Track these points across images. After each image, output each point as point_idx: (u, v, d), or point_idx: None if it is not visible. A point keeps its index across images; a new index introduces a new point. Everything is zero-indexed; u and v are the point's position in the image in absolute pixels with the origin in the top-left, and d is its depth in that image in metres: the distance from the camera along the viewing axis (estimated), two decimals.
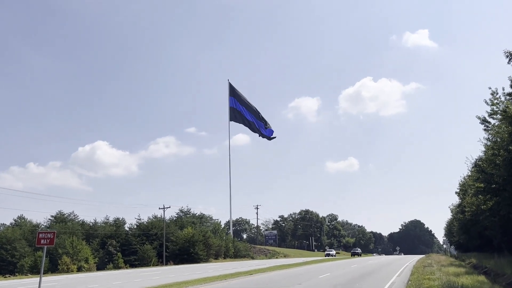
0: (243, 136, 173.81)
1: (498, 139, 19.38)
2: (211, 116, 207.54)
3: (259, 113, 27.90)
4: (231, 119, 28.86)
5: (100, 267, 53.26)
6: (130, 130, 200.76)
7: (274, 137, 29.60)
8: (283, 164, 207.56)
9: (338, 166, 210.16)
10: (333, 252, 72.28)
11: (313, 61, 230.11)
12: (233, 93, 28.54)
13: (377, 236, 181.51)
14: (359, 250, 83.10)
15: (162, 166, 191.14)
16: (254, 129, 27.91)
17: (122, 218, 71.98)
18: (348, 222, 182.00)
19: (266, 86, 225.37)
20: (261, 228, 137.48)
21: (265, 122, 27.40)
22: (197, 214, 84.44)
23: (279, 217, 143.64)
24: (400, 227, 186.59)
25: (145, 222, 66.64)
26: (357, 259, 55.24)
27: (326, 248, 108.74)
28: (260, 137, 29.40)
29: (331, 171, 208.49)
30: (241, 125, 31.88)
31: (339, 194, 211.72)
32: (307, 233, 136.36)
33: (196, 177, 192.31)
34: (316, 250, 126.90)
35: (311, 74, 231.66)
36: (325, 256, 68.66)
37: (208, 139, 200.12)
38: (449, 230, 63.64)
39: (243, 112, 27.51)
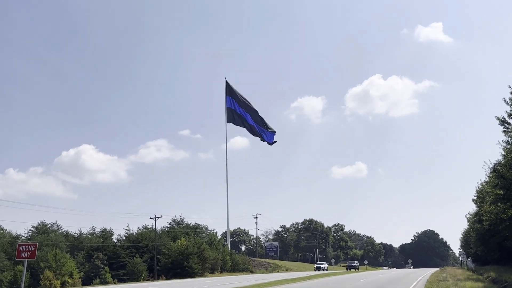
0: (241, 139, 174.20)
1: None
2: (206, 118, 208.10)
3: (257, 112, 27.52)
4: (228, 120, 28.73)
5: (86, 282, 52.99)
6: (118, 132, 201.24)
7: (275, 141, 29.29)
8: (285, 169, 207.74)
9: (345, 172, 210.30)
10: (325, 265, 70.66)
11: (318, 57, 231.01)
12: (231, 92, 28.30)
13: (387, 248, 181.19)
14: (356, 263, 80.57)
15: (153, 171, 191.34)
16: (255, 133, 27.53)
17: (110, 229, 71.78)
18: (356, 232, 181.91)
19: (266, 85, 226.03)
20: (261, 239, 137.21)
21: (265, 124, 26.81)
22: (191, 224, 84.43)
23: (281, 227, 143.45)
24: (412, 238, 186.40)
25: (134, 233, 66.43)
26: (365, 273, 54.82)
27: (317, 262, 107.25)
28: (262, 141, 29.40)
29: (337, 177, 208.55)
30: (239, 127, 32.02)
31: (346, 202, 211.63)
32: (311, 245, 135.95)
33: (191, 184, 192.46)
34: None
35: (315, 71, 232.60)
36: (315, 270, 67.24)
37: (204, 142, 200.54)
38: (466, 241, 63.44)
39: (243, 114, 27.13)
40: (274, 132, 31.06)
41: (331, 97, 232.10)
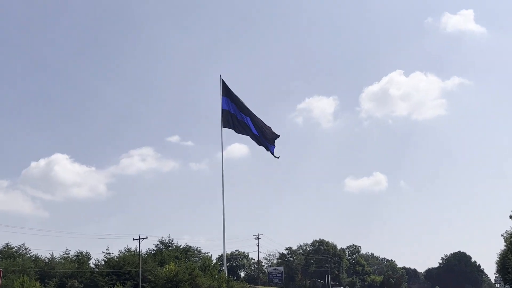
0: (240, 146, 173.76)
1: None
2: (199, 122, 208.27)
3: (255, 115, 27.58)
4: (224, 125, 28.45)
5: None
6: (96, 139, 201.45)
7: (277, 157, 29.21)
8: (290, 182, 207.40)
9: (361, 184, 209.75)
10: None
11: (328, 50, 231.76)
12: (227, 92, 28.20)
13: (411, 273, 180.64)
14: None
15: (137, 185, 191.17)
16: (259, 142, 27.43)
17: (87, 252, 71.77)
18: (374, 255, 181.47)
19: (268, 83, 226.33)
20: (263, 263, 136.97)
21: (265, 131, 27.07)
22: (182, 247, 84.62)
23: (286, 249, 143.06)
24: (440, 262, 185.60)
25: (115, 257, 66.37)
26: None
27: None
28: (267, 150, 29.35)
29: (351, 190, 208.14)
30: (237, 132, 32.14)
31: (362, 219, 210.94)
32: (322, 270, 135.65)
33: (181, 199, 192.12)
34: None
35: (325, 67, 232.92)
36: None
37: (196, 150, 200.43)
38: (503, 265, 63.26)
39: (243, 118, 27.18)
40: (277, 136, 30.84)
41: (344, 97, 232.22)
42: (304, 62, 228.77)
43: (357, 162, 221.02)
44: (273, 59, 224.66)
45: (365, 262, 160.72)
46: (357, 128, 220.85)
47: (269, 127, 29.45)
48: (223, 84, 29.67)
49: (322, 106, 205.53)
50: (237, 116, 30.00)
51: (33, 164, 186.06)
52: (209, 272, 71.60)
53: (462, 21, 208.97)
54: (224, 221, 30.10)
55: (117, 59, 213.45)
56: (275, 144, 29.67)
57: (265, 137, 28.32)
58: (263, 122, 30.71)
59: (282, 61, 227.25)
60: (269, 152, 30.32)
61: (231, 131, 32.58)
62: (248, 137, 31.54)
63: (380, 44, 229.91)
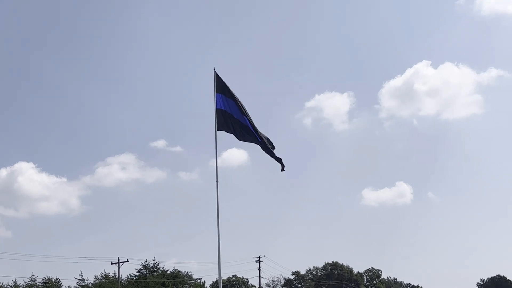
0: (238, 151, 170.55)
1: None
2: (189, 123, 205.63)
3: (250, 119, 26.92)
4: (219, 127, 27.86)
5: None
6: (67, 145, 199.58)
7: (282, 166, 28.30)
8: (298, 194, 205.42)
9: (381, 197, 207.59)
10: None
11: (342, 38, 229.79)
12: (222, 88, 27.54)
13: None
14: None
15: (116, 199, 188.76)
16: (264, 146, 26.55)
17: (57, 279, 71.09)
18: (397, 280, 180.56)
19: (270, 77, 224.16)
20: None
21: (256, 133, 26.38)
22: (169, 271, 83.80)
23: (293, 274, 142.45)
24: (476, 287, 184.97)
25: (90, 284, 65.90)
26: None
27: None
28: (272, 157, 28.16)
29: (370, 203, 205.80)
30: (236, 136, 31.35)
31: (383, 238, 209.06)
32: None
33: (168, 216, 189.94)
34: None
35: (338, 57, 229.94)
36: None
37: (186, 157, 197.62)
38: None
39: (240, 119, 26.43)
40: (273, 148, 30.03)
41: (361, 94, 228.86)
42: (313, 52, 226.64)
43: (377, 170, 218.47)
44: (275, 48, 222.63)
45: None
46: (376, 130, 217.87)
47: (266, 136, 28.96)
48: (217, 78, 29.44)
49: (335, 104, 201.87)
50: (234, 115, 29.74)
51: None
52: None
53: (500, 2, 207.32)
54: (219, 241, 29.53)
55: (91, 50, 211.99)
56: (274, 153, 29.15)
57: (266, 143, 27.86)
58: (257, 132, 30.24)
59: (286, 50, 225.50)
60: (273, 159, 29.72)
61: (228, 134, 31.99)
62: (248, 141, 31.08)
63: (403, 30, 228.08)
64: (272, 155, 29.89)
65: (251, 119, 30.82)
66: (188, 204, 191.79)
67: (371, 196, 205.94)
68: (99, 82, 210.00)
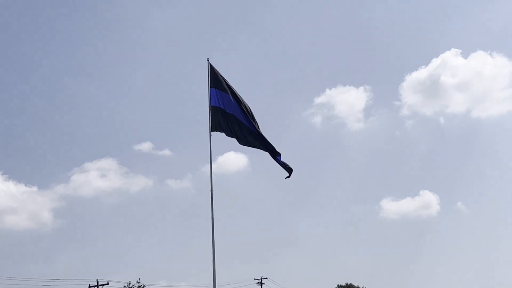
0: (236, 156, 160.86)
1: None
2: (179, 123, 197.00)
3: (251, 116, 24.45)
4: (214, 127, 25.49)
5: None
6: (38, 149, 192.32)
7: (290, 172, 25.15)
8: (306, 205, 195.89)
9: (403, 208, 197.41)
10: None
11: (357, 24, 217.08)
12: (216, 82, 24.78)
13: None
14: None
15: (94, 211, 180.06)
16: (266, 147, 23.90)
17: None
18: None
19: (274, 69, 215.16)
20: None
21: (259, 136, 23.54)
22: None
23: None
24: None
25: None
26: None
27: None
28: (278, 163, 25.53)
29: (390, 215, 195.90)
30: (233, 138, 28.97)
31: (405, 255, 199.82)
32: None
33: (155, 230, 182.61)
34: None
35: (353, 47, 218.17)
36: None
37: (175, 162, 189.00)
38: None
39: (239, 116, 23.97)
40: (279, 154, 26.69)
41: (379, 88, 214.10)
42: (323, 40, 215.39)
43: (397, 177, 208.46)
44: (278, 35, 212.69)
45: None
46: (397, 130, 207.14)
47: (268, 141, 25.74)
48: (212, 71, 25.78)
49: (349, 100, 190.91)
50: (233, 114, 26.02)
51: None
52: None
53: None
54: (215, 260, 26.36)
55: (67, 36, 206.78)
56: (279, 157, 25.71)
57: (267, 145, 24.65)
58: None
59: (292, 38, 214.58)
60: (277, 164, 26.40)
61: (225, 136, 28.69)
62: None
63: (428, 14, 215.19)
64: (278, 160, 25.70)
65: (254, 120, 26.78)
66: (179, 217, 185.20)
67: (391, 207, 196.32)
68: (77, 77, 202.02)
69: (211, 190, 25.48)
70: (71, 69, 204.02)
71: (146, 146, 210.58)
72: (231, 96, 25.66)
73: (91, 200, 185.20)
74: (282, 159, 24.74)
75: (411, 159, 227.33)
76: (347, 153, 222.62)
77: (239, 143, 26.65)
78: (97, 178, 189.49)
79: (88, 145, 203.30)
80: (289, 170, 25.05)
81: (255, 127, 25.46)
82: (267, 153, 25.55)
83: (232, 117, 25.94)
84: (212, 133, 25.85)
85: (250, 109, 27.35)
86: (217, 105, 24.87)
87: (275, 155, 26.36)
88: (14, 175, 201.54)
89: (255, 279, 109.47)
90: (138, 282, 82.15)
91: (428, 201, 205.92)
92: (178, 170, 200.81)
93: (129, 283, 79.27)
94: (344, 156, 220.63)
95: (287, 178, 24.97)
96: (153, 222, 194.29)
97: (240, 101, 27.08)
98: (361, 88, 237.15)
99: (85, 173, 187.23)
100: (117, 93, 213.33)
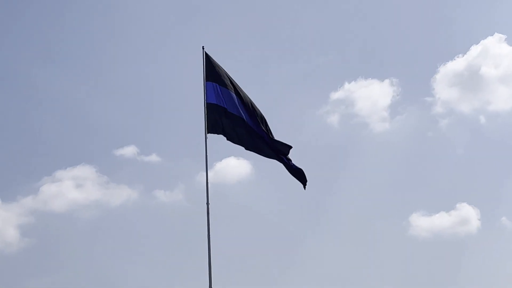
0: (237, 162, 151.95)
1: None
2: (168, 124, 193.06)
3: (257, 114, 21.47)
4: (210, 129, 22.88)
5: None
6: (1, 154, 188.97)
7: (304, 184, 22.38)
8: (321, 220, 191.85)
9: (437, 224, 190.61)
10: None
11: (381, 6, 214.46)
12: (213, 75, 21.76)
13: None
14: None
15: (69, 228, 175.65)
16: (268, 151, 21.17)
17: None
18: None
19: (281, 60, 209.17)
20: None
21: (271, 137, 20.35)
22: None
23: None
24: None
25: None
26: None
27: None
28: (288, 169, 22.67)
29: (421, 233, 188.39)
30: (232, 141, 26.16)
31: (438, 280, 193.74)
32: None
33: (141, 250, 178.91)
34: None
35: (377, 32, 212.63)
36: None
37: (164, 169, 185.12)
38: None
39: (246, 119, 20.89)
40: (289, 148, 23.40)
41: (407, 81, 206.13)
42: (341, 23, 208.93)
43: (430, 187, 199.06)
44: (289, 20, 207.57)
45: None
46: (429, 131, 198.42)
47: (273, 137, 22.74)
48: (208, 61, 22.29)
49: (372, 96, 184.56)
50: (234, 113, 22.43)
51: None
52: None
53: None
54: (211, 286, 23.49)
55: (37, 33, 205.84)
56: (290, 159, 22.62)
57: (276, 148, 21.52)
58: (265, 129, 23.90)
59: (303, 22, 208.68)
60: (284, 172, 23.36)
61: (223, 139, 25.73)
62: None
63: None
64: (292, 170, 21.90)
65: (263, 123, 23.12)
66: (169, 235, 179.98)
67: (423, 223, 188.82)
68: (48, 68, 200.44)
69: (207, 204, 22.82)
70: (39, 58, 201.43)
71: (129, 150, 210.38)
72: (233, 93, 22.56)
73: (64, 215, 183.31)
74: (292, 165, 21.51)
75: (446, 166, 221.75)
76: (369, 158, 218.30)
77: (246, 149, 23.24)
78: (72, 188, 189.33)
79: (61, 150, 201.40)
80: (302, 178, 21.69)
81: (265, 132, 22.09)
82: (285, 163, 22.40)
83: (237, 119, 22.79)
84: (208, 135, 22.98)
85: (259, 110, 23.67)
86: (214, 102, 21.78)
87: (289, 162, 22.60)
88: None
89: None
90: None
91: (466, 216, 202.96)
92: (168, 179, 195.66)
93: None
94: (365, 163, 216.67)
95: (303, 187, 22.04)
96: (138, 241, 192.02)
97: (245, 99, 23.44)
98: (387, 81, 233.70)
99: (57, 183, 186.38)
100: (94, 87, 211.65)
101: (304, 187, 20.68)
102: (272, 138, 22.38)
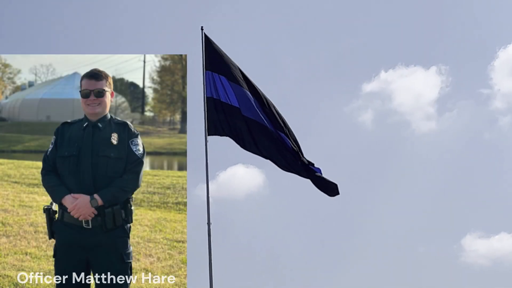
0: (245, 170, 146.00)
1: None
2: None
3: (275, 113, 18.90)
4: (211, 131, 20.53)
5: None
6: None
7: (336, 193, 18.66)
8: (352, 240, 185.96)
9: (496, 248, 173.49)
10: None
11: None
12: (216, 63, 19.03)
13: None
14: None
15: None
16: (287, 157, 17.88)
17: None
18: None
19: (305, 44, 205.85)
20: None
21: (292, 140, 17.50)
22: None
23: None
24: None
25: None
26: None
27: None
28: (307, 176, 19.82)
29: (477, 260, 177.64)
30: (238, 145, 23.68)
31: None
32: None
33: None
34: None
35: (420, 9, 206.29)
36: None
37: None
38: None
39: (255, 116, 18.50)
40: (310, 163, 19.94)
41: (459, 68, 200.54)
42: (377, 4, 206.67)
43: (488, 202, 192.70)
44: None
45: None
46: (486, 131, 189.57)
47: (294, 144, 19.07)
48: (208, 45, 18.17)
49: (415, 87, 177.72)
50: (241, 110, 18.07)
51: None
52: None
53: None
54: None
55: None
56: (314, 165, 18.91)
57: (296, 149, 17.98)
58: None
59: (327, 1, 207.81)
60: (307, 183, 19.77)
61: (228, 141, 22.52)
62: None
63: None
64: (318, 181, 16.92)
65: (279, 118, 18.37)
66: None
67: (479, 247, 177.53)
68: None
69: (208, 224, 19.28)
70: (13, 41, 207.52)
71: None
72: (237, 85, 18.93)
73: None
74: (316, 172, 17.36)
75: (508, 176, 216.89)
76: (411, 166, 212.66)
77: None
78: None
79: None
80: (329, 186, 17.19)
81: (295, 150, 18.13)
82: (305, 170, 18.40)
83: (251, 121, 19.06)
84: (208, 137, 19.42)
85: (277, 111, 19.38)
86: (215, 97, 18.15)
87: (314, 174, 17.98)
88: None
89: None
90: None
91: None
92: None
93: None
94: (406, 171, 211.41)
95: (332, 196, 17.72)
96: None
97: (263, 98, 19.16)
98: (433, 68, 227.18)
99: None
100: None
101: (333, 194, 16.89)
102: (293, 149, 18.47)
